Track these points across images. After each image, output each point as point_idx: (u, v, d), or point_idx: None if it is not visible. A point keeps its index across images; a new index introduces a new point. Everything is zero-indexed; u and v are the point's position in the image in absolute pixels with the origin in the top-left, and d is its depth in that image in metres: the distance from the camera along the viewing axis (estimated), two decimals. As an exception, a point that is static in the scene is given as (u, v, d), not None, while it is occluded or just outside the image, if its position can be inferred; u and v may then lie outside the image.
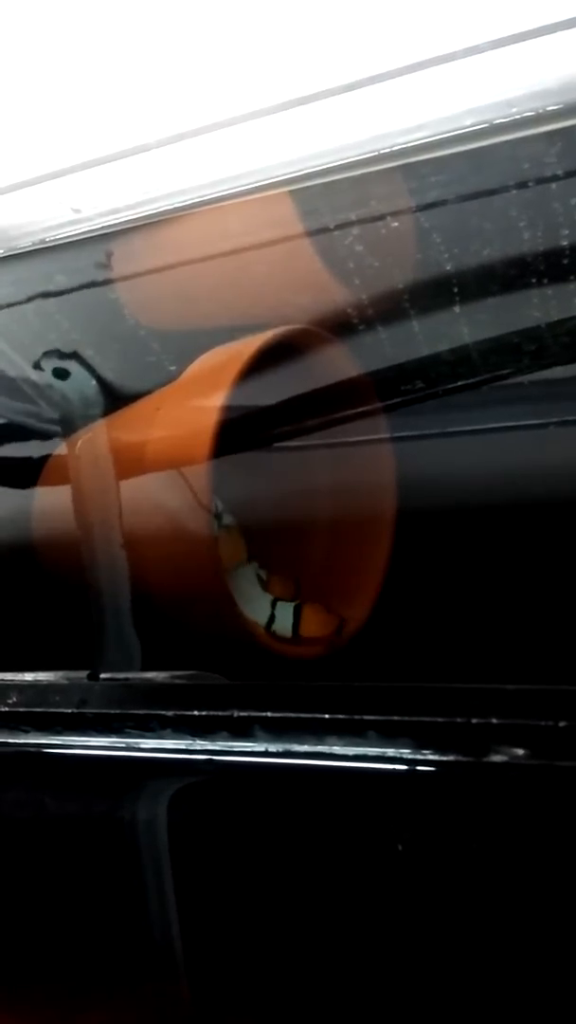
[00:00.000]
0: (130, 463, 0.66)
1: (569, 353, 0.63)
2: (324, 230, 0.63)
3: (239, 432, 0.64)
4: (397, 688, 0.45)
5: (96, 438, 0.70)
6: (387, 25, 0.49)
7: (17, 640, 0.67)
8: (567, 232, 0.59)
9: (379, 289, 0.66)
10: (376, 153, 0.54)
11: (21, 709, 0.54)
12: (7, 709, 0.54)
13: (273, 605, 0.69)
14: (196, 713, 0.48)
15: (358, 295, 0.66)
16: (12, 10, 0.57)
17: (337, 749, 0.45)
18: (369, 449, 0.70)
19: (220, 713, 0.48)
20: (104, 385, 0.73)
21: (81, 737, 0.53)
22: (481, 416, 0.67)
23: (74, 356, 0.73)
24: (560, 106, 0.50)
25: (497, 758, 0.42)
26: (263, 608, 0.68)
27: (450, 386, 0.67)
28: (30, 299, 0.71)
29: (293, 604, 0.69)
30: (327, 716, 0.45)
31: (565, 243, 0.59)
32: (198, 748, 0.49)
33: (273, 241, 0.65)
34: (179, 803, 0.52)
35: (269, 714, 0.47)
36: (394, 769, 0.44)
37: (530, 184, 0.57)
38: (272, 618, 0.68)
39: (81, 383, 0.73)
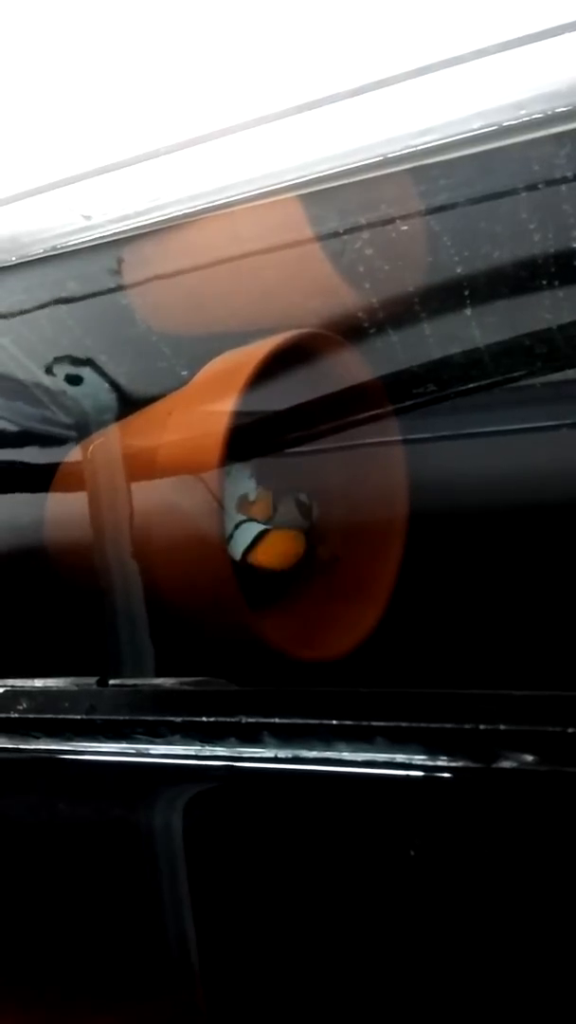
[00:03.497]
0: (142, 468, 0.67)
1: (581, 355, 0.63)
2: (334, 234, 0.63)
3: (251, 436, 0.64)
4: (405, 694, 0.45)
5: (108, 443, 0.70)
6: (395, 29, 0.49)
7: (27, 646, 0.68)
8: (578, 234, 0.59)
9: (390, 292, 0.66)
10: (385, 157, 0.54)
11: (31, 715, 0.54)
12: (17, 715, 0.54)
13: (236, 526, 0.66)
14: (205, 719, 0.49)
15: (369, 298, 0.66)
16: (21, 19, 0.57)
17: (346, 755, 0.45)
18: (381, 452, 0.70)
19: (229, 719, 0.48)
20: (116, 390, 0.74)
21: (90, 743, 0.53)
22: (493, 419, 0.67)
23: (86, 362, 0.73)
24: (569, 108, 0.50)
25: (506, 764, 0.42)
26: (228, 527, 0.66)
27: (462, 389, 0.67)
28: (42, 306, 0.71)
29: (259, 528, 0.66)
30: (335, 722, 0.45)
31: (576, 245, 0.59)
32: (207, 754, 0.49)
33: (283, 245, 0.65)
34: (188, 809, 0.52)
35: (277, 720, 0.47)
36: (402, 775, 0.44)
37: (540, 186, 0.56)
38: (230, 538, 0.66)
39: (93, 389, 0.73)
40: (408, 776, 0.44)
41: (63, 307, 0.71)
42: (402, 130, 0.53)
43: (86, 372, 0.74)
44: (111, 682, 0.55)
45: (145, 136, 0.56)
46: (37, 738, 0.55)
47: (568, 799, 0.42)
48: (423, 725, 0.44)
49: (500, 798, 0.43)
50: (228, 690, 0.51)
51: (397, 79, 0.50)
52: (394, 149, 0.54)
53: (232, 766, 0.48)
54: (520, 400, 0.66)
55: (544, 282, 0.61)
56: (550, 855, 0.43)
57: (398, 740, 0.44)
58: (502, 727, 0.42)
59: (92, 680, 0.56)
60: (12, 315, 0.72)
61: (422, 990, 0.45)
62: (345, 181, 0.56)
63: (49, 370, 0.74)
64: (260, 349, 0.63)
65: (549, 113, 0.50)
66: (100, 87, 0.57)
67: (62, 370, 0.74)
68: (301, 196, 0.59)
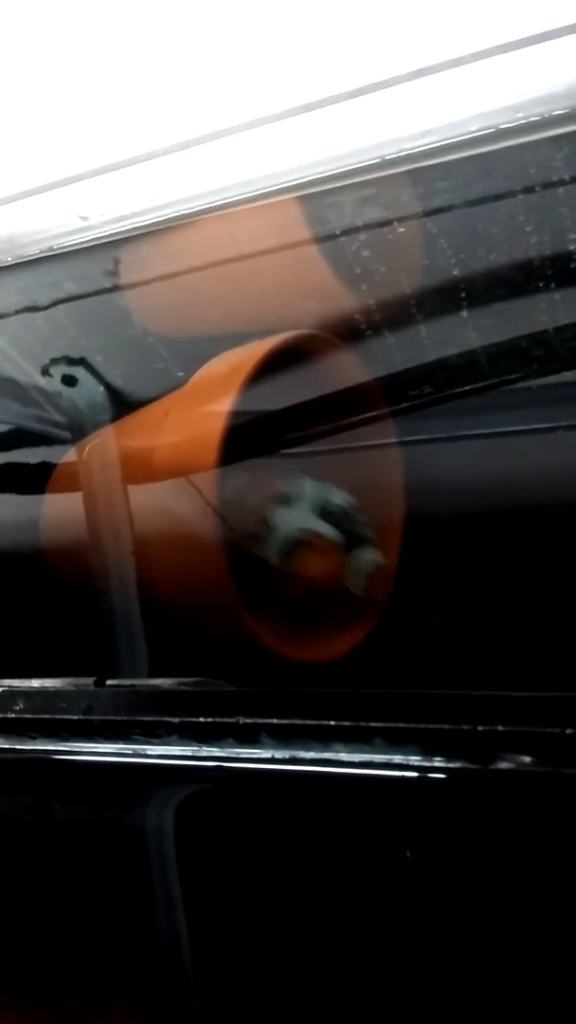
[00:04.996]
0: (138, 469, 0.67)
1: (577, 357, 0.63)
2: (331, 236, 0.63)
3: (247, 437, 0.64)
4: (403, 695, 0.45)
5: (104, 444, 0.70)
6: (393, 31, 0.49)
7: (24, 646, 0.68)
8: (574, 236, 0.59)
9: (387, 294, 0.66)
10: (382, 159, 0.54)
11: (28, 715, 0.54)
12: (14, 715, 0.54)
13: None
14: (202, 720, 0.49)
15: (365, 300, 0.66)
16: (19, 20, 0.57)
17: (343, 756, 0.45)
18: (377, 454, 0.70)
19: (226, 720, 0.48)
20: (112, 391, 0.74)
21: (88, 743, 0.53)
22: (489, 420, 0.67)
23: (82, 363, 0.73)
24: (566, 111, 0.50)
25: (503, 765, 0.42)
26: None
27: (458, 391, 0.67)
28: (39, 306, 0.71)
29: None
30: (333, 723, 0.45)
31: (572, 247, 0.59)
32: (204, 755, 0.49)
33: (280, 247, 0.65)
34: (185, 809, 0.52)
35: (275, 721, 0.47)
36: (400, 776, 0.44)
37: (537, 189, 0.56)
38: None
39: (89, 390, 0.73)
40: (405, 777, 0.44)
41: (60, 308, 0.71)
42: (400, 132, 0.53)
43: (82, 373, 0.73)
44: (108, 682, 0.55)
45: (143, 137, 0.56)
46: (34, 738, 0.54)
47: (566, 800, 0.42)
48: (421, 726, 0.44)
49: (498, 799, 0.43)
50: (225, 691, 0.51)
51: (395, 81, 0.50)
52: (392, 151, 0.54)
53: (229, 767, 0.48)
54: (517, 402, 0.66)
55: (541, 284, 0.61)
56: (548, 856, 0.43)
57: (396, 741, 0.44)
58: (500, 728, 0.42)
59: (89, 680, 0.56)
60: (9, 315, 0.72)
61: (418, 990, 0.45)
62: (343, 183, 0.56)
63: (46, 371, 0.74)
64: (257, 351, 0.63)
65: (546, 116, 0.50)
66: (98, 88, 0.57)
67: (58, 371, 0.74)
68: (299, 198, 0.59)
